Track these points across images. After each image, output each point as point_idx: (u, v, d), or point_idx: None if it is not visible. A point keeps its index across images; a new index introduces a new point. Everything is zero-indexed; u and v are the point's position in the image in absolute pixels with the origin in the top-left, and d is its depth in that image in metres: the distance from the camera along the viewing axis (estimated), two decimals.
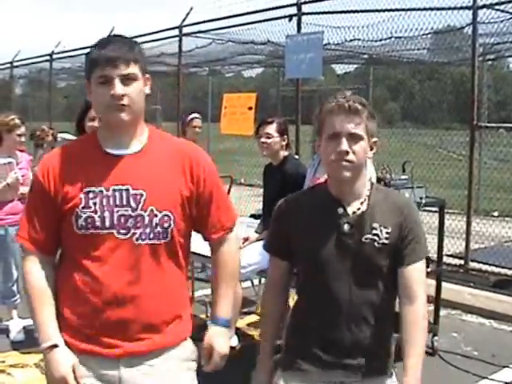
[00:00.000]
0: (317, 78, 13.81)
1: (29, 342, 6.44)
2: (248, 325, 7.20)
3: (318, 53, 9.67)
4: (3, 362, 6.13)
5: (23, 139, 6.70)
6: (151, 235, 2.69)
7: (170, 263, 2.78)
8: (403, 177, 6.08)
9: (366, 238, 2.75)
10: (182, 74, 14.26)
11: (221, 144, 19.59)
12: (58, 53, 18.88)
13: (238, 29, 12.49)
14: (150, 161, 2.76)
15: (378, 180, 5.65)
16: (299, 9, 10.48)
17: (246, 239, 6.05)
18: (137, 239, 2.68)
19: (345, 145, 2.69)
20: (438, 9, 9.66)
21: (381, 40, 11.52)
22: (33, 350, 6.18)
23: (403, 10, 9.98)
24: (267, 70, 22.17)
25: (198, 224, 2.89)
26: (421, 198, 6.03)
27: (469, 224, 9.17)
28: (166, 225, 2.72)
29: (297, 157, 6.78)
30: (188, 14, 13.10)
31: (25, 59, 21.25)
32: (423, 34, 10.86)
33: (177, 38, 13.59)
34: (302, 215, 2.86)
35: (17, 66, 22.31)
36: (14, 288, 6.76)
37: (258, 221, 6.44)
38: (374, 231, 2.75)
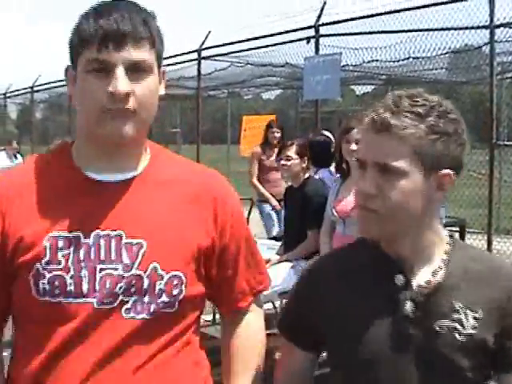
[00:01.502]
0: (335, 99, 13.91)
1: None
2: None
3: (335, 74, 9.77)
4: None
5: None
6: (152, 306, 1.81)
7: (175, 344, 1.87)
8: None
9: (442, 327, 1.73)
10: (201, 96, 14.40)
11: (241, 166, 19.70)
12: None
13: (257, 51, 12.63)
14: (153, 194, 1.88)
15: None
16: (317, 31, 10.57)
17: (267, 261, 6.09)
18: (127, 311, 1.79)
19: (367, 183, 1.71)
20: (455, 29, 9.70)
21: (399, 61, 11.61)
22: None
23: (421, 30, 10.03)
24: (286, 92, 22.31)
25: (216, 289, 2.00)
26: (441, 218, 6.06)
27: (490, 243, 9.15)
28: (174, 291, 1.83)
29: (317, 177, 6.82)
30: (207, 37, 13.24)
31: (45, 83, 21.51)
32: (441, 54, 10.93)
33: (195, 61, 13.73)
34: (336, 287, 1.89)
35: (37, 91, 22.59)
36: None
37: (279, 243, 6.48)
38: (455, 315, 1.73)
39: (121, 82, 1.70)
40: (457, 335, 1.72)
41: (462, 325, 1.72)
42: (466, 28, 9.53)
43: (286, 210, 6.51)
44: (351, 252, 1.96)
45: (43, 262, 1.75)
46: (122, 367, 1.77)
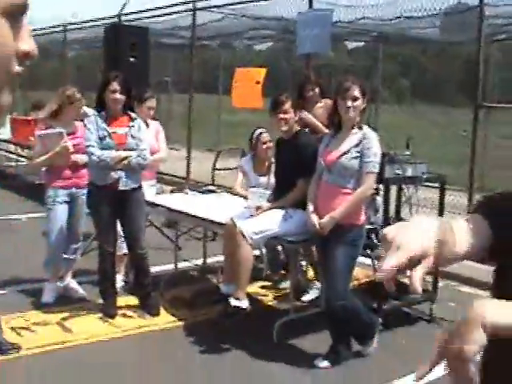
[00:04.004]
0: (327, 54, 14.06)
1: (53, 303, 6.96)
2: (259, 288, 7.63)
3: (326, 30, 9.98)
4: (27, 320, 6.49)
5: (79, 109, 7.20)
6: None
7: None
8: (406, 152, 6.39)
9: None
10: (194, 46, 14.53)
11: (232, 117, 19.86)
12: (72, 23, 19.16)
13: (252, 4, 12.77)
14: None
15: (383, 155, 5.95)
16: None
17: (258, 208, 6.36)
18: None
19: None
20: None
21: (391, 20, 11.77)
22: (54, 309, 6.73)
23: None
24: (279, 45, 22.39)
25: None
26: (423, 173, 6.35)
27: (470, 200, 9.45)
28: None
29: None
30: None
31: (40, 29, 21.51)
32: (432, 15, 11.08)
33: (190, 12, 13.86)
34: None
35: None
36: (76, 248, 7.32)
37: (269, 191, 6.74)
38: None
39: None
40: None
41: None
42: None
43: (277, 161, 6.75)
44: None
45: None
46: None
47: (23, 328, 6.27)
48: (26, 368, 5.52)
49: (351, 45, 21.60)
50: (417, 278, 1.34)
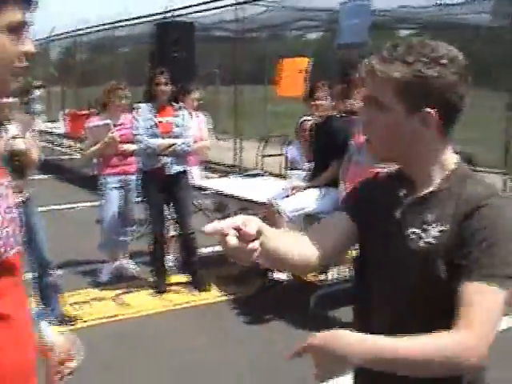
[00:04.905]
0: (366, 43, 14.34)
1: (109, 281, 7.58)
2: None
3: (365, 19, 10.29)
4: (85, 296, 7.10)
5: (124, 102, 7.65)
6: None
7: None
8: None
9: (413, 233, 1.99)
10: (240, 39, 14.92)
11: (279, 107, 20.13)
12: (122, 20, 19.68)
13: None
14: None
15: None
16: None
17: (294, 188, 6.80)
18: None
19: (363, 111, 2.09)
20: None
21: (436, 5, 11.89)
22: (110, 286, 7.36)
23: None
24: (327, 34, 22.55)
25: None
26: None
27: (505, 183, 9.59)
28: None
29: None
30: None
31: (90, 27, 22.13)
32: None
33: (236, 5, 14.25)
34: (369, 199, 2.20)
35: (82, 34, 23.25)
36: (129, 230, 7.88)
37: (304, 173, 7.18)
38: (424, 226, 1.97)
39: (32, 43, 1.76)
40: (420, 243, 1.95)
41: (426, 234, 1.95)
42: None
43: (313, 144, 7.17)
44: (386, 175, 2.22)
45: None
46: None
47: (83, 303, 6.85)
48: (83, 338, 6.02)
49: (403, 32, 21.64)
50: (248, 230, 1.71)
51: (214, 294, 7.18)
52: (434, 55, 1.91)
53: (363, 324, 2.10)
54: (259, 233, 1.78)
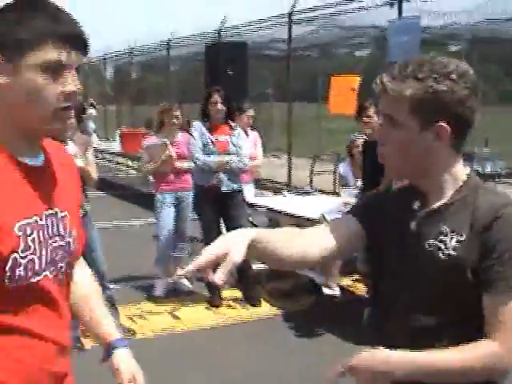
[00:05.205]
0: None
1: (164, 296, 7.73)
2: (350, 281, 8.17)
3: (415, 36, 10.33)
4: (141, 309, 7.26)
5: (177, 121, 7.80)
6: (70, 264, 2.08)
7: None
8: (485, 150, 6.78)
9: (430, 245, 2.04)
10: (292, 56, 15.05)
11: (332, 124, 20.18)
12: (173, 40, 19.97)
13: (346, 16, 13.21)
14: (56, 172, 2.04)
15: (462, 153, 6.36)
16: None
17: (346, 203, 6.89)
18: (62, 273, 2.03)
19: (379, 129, 2.13)
20: None
21: (484, 21, 11.92)
22: (165, 300, 7.53)
23: None
24: (377, 52, 22.59)
25: None
26: (501, 169, 6.73)
27: None
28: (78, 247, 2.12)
29: None
30: (296, 2, 13.84)
31: (142, 46, 22.51)
32: None
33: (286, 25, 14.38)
34: (381, 209, 2.24)
35: (135, 55, 23.68)
36: (183, 246, 8.06)
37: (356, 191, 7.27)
38: (441, 237, 2.02)
39: (73, 83, 1.84)
40: (440, 254, 2.00)
41: (445, 245, 2.00)
42: None
43: (363, 162, 7.25)
44: (397, 189, 2.28)
45: (19, 250, 1.82)
46: (61, 315, 2.03)
47: (138, 316, 7.02)
48: (139, 350, 6.18)
49: (452, 48, 21.62)
50: (219, 273, 1.80)
51: (266, 309, 7.30)
52: (445, 71, 1.96)
53: (381, 333, 2.21)
54: (251, 243, 1.90)
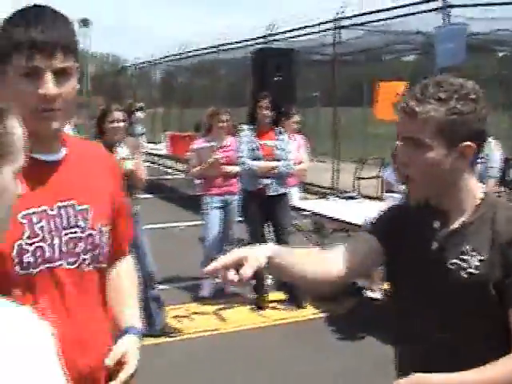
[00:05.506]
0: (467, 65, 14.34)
1: (210, 297, 7.89)
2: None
3: (461, 43, 10.37)
4: (187, 310, 7.44)
5: (225, 125, 7.98)
6: (100, 257, 2.18)
7: (103, 287, 2.27)
8: None
9: (453, 264, 2.07)
10: (338, 61, 15.15)
11: (378, 129, 20.21)
12: (222, 45, 20.16)
13: (396, 20, 13.26)
14: (81, 168, 2.17)
15: (506, 160, 6.44)
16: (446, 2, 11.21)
17: None
18: (87, 265, 2.12)
19: (402, 153, 2.11)
20: None
21: None
22: (211, 301, 7.68)
23: None
24: (424, 57, 22.51)
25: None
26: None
27: None
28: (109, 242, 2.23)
29: None
30: (342, 9, 13.96)
31: (192, 50, 22.74)
32: None
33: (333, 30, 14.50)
34: (401, 227, 2.27)
35: (184, 58, 23.92)
36: (229, 249, 8.10)
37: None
38: (463, 256, 2.06)
39: (51, 86, 1.94)
40: (463, 273, 2.03)
41: (467, 264, 2.02)
42: None
43: None
44: (416, 206, 2.21)
45: (24, 237, 1.94)
46: (85, 311, 2.11)
47: (184, 316, 7.21)
48: (185, 348, 6.39)
49: (498, 54, 21.49)
50: (245, 268, 1.92)
51: (310, 311, 7.43)
52: (464, 91, 2.01)
53: (404, 347, 2.26)
54: (269, 257, 2.01)
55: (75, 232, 2.06)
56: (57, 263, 2.01)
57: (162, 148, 18.92)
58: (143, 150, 8.49)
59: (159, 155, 19.42)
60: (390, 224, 2.30)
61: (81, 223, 2.08)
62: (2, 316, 1.23)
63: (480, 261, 2.01)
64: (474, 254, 2.02)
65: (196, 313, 7.35)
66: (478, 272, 2.00)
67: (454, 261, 2.05)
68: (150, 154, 19.57)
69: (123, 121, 6.24)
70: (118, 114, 6.18)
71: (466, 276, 2.02)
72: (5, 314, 1.24)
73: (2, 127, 1.32)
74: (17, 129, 1.36)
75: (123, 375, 2.13)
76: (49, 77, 1.94)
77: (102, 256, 2.17)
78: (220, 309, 7.47)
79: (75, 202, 2.08)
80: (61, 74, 1.96)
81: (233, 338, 6.71)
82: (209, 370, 5.84)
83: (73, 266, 2.05)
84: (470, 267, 2.01)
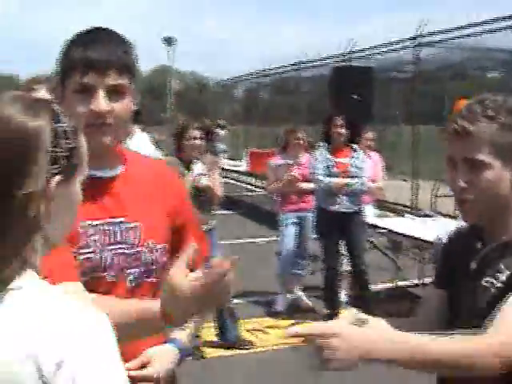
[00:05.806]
0: None
1: (284, 311, 7.99)
2: None
3: None
4: (261, 324, 7.59)
5: (300, 143, 8.13)
6: (148, 274, 2.22)
7: None
8: None
9: (487, 282, 2.03)
10: (419, 79, 15.07)
11: None
12: (302, 62, 20.27)
13: (478, 37, 13.15)
14: (136, 185, 2.24)
15: None
16: None
17: None
18: (130, 281, 2.18)
19: (460, 177, 2.04)
20: None
21: None
22: (284, 316, 7.81)
23: None
24: (505, 75, 22.18)
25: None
26: None
27: None
28: (163, 259, 2.25)
29: None
30: (422, 26, 13.90)
31: (272, 68, 22.95)
32: None
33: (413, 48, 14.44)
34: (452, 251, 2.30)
35: (265, 75, 24.16)
36: (304, 265, 8.37)
37: None
38: (497, 274, 2.02)
39: (102, 102, 2.04)
40: (492, 289, 2.00)
41: (497, 281, 1.99)
42: None
43: None
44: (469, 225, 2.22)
45: (78, 246, 2.04)
46: None
47: (258, 330, 7.36)
48: (257, 361, 6.50)
49: None
50: None
51: None
52: (508, 106, 2.01)
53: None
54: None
55: (123, 248, 2.15)
56: (102, 275, 2.09)
57: (243, 164, 19.12)
58: (221, 166, 8.66)
59: (239, 172, 19.62)
60: (445, 265, 2.30)
61: (129, 240, 2.16)
62: (74, 306, 1.33)
63: (507, 277, 1.99)
64: (507, 271, 1.99)
65: (270, 327, 7.47)
66: (503, 286, 1.98)
67: (488, 279, 2.02)
68: (230, 170, 19.79)
69: (201, 138, 6.42)
70: (196, 132, 6.37)
71: (493, 291, 2.00)
72: (76, 305, 1.34)
73: (78, 141, 1.43)
74: (84, 143, 1.47)
75: (134, 372, 2.07)
76: (100, 93, 2.04)
77: (150, 272, 2.21)
78: (294, 324, 7.50)
79: (125, 219, 2.16)
80: (114, 92, 2.07)
81: (306, 352, 6.74)
82: (280, 383, 5.94)
83: (117, 280, 2.12)
84: (498, 282, 1.99)
